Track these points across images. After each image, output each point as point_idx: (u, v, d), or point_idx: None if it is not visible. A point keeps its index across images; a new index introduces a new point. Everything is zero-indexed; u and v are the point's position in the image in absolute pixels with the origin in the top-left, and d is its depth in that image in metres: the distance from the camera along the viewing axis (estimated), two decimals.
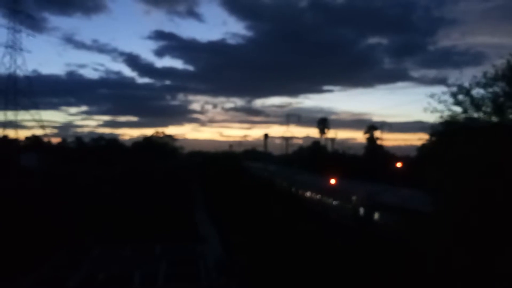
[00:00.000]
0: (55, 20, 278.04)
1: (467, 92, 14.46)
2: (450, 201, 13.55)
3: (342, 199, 36.26)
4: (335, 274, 18.01)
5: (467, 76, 14.66)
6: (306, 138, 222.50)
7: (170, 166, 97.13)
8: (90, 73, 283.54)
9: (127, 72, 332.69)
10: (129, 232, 30.97)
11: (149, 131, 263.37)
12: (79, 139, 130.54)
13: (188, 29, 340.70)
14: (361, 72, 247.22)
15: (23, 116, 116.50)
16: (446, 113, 14.85)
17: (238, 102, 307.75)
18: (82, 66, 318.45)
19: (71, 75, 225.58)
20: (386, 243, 22.51)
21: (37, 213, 34.42)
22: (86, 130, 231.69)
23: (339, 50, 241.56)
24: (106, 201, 43.86)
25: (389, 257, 18.73)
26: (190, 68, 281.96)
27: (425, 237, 14.16)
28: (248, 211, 34.61)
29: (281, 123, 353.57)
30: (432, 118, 15.45)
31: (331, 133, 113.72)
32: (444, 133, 15.48)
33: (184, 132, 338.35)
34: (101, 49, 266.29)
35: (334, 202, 38.02)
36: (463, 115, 14.56)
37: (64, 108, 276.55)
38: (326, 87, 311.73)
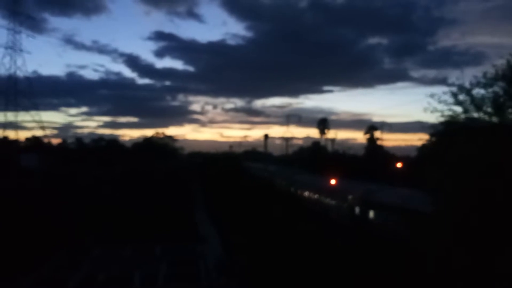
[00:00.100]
0: (55, 21, 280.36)
1: (467, 92, 14.44)
2: (450, 201, 13.54)
3: (339, 199, 36.20)
4: (335, 274, 18.00)
5: (467, 76, 14.66)
6: (306, 138, 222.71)
7: (170, 167, 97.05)
8: (90, 74, 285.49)
9: (127, 73, 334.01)
10: (129, 232, 30.96)
11: (149, 132, 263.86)
12: (79, 140, 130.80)
13: (188, 30, 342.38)
14: (361, 72, 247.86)
15: (23, 117, 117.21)
16: (446, 113, 14.84)
17: (238, 102, 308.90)
18: (82, 67, 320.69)
19: (71, 76, 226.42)
20: (382, 242, 22.54)
21: (37, 213, 34.41)
22: (86, 131, 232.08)
23: (339, 50, 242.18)
24: (106, 201, 43.84)
25: (387, 256, 18.73)
26: (190, 68, 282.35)
27: (425, 236, 14.16)
28: (248, 211, 34.59)
29: (281, 123, 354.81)
30: (432, 118, 15.40)
31: (331, 134, 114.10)
32: (444, 133, 15.45)
33: (184, 132, 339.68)
34: (101, 50, 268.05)
35: (333, 202, 37.96)
36: (463, 115, 14.55)
37: (64, 109, 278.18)
38: (326, 88, 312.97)
